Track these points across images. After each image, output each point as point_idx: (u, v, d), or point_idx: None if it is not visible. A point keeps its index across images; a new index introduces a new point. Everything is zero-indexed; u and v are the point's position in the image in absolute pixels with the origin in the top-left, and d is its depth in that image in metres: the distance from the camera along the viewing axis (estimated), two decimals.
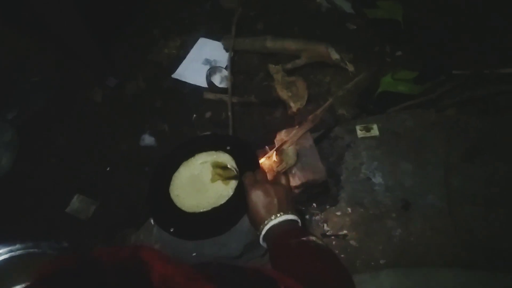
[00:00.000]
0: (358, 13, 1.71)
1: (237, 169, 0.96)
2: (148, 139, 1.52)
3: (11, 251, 0.94)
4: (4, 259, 0.95)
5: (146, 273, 0.31)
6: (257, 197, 0.79)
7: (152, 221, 1.17)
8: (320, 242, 0.64)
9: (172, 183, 1.00)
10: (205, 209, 0.94)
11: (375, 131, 1.24)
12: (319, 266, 0.56)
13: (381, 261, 1.02)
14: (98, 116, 1.64)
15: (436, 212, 1.09)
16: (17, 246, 0.94)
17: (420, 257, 1.02)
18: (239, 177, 0.94)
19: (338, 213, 1.12)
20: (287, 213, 0.75)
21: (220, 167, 0.99)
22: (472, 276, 0.96)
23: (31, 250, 0.94)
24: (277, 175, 0.92)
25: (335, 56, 1.50)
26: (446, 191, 1.12)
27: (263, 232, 0.75)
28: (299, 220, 0.77)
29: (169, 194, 0.98)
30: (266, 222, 0.75)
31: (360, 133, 1.24)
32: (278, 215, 0.75)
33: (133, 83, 1.70)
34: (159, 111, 1.60)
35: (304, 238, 0.63)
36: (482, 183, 1.13)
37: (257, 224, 0.78)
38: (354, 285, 0.55)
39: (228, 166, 0.97)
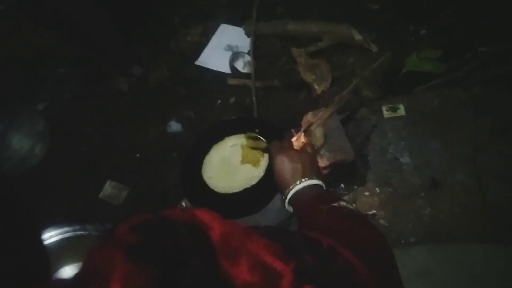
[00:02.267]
0: None
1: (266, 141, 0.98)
2: (174, 126, 1.56)
3: (60, 233, 0.99)
4: (55, 241, 1.00)
5: (207, 231, 0.34)
6: (282, 162, 0.81)
7: (183, 203, 1.21)
8: (352, 207, 0.64)
9: (204, 165, 1.02)
10: (237, 190, 0.96)
11: (401, 111, 1.24)
12: (355, 230, 0.56)
13: (411, 239, 1.03)
14: (125, 105, 1.68)
15: (465, 190, 1.09)
16: (66, 228, 0.99)
17: (449, 234, 1.03)
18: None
19: (367, 193, 1.13)
20: (312, 178, 0.77)
21: (251, 137, 1.01)
22: (501, 251, 0.97)
23: (78, 232, 0.99)
24: (303, 144, 0.93)
25: (357, 37, 1.49)
26: (474, 168, 1.12)
27: (289, 196, 0.77)
28: (324, 185, 0.78)
29: (201, 177, 1.00)
30: (291, 186, 0.76)
31: (386, 114, 1.24)
32: (303, 180, 0.76)
33: (157, 72, 1.73)
34: (184, 98, 1.63)
35: (335, 204, 0.63)
36: (510, 159, 1.12)
37: (282, 188, 0.80)
38: (390, 248, 0.55)
39: (259, 136, 0.98)
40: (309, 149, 0.87)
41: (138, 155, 1.53)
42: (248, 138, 1.02)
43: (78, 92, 1.76)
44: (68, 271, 1.02)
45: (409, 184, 1.12)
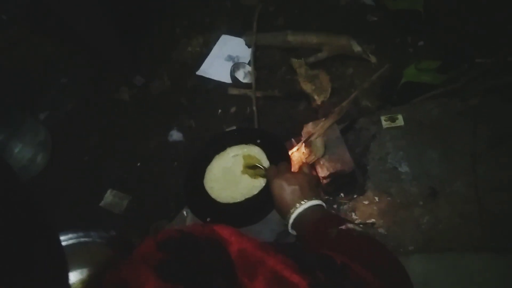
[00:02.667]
0: (378, 5, 1.72)
1: (265, 167, 0.98)
2: (176, 135, 1.57)
3: (65, 240, 1.00)
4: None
5: (226, 247, 0.35)
6: (280, 186, 0.81)
7: (185, 212, 1.22)
8: (359, 228, 0.64)
9: (206, 175, 1.04)
10: (239, 200, 0.97)
11: (400, 121, 1.26)
12: (366, 248, 0.56)
13: (410, 248, 1.04)
14: (126, 114, 1.70)
15: (463, 199, 1.10)
16: (70, 235, 1.00)
17: (448, 243, 1.04)
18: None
19: (366, 202, 1.14)
20: (311, 199, 0.76)
21: (250, 167, 1.02)
22: (500, 260, 0.98)
23: (82, 239, 1.00)
24: (301, 165, 0.94)
25: (357, 48, 1.52)
26: (473, 178, 1.13)
27: (291, 221, 0.76)
28: (324, 205, 0.78)
29: (203, 186, 1.02)
30: (292, 210, 0.76)
31: (385, 124, 1.26)
32: (302, 202, 0.75)
33: (159, 82, 1.75)
34: (185, 108, 1.65)
35: (343, 227, 0.62)
36: (508, 169, 1.14)
37: (283, 213, 0.79)
38: (402, 265, 0.54)
39: (257, 164, 0.99)
40: (306, 170, 0.87)
41: (139, 164, 1.55)
42: (247, 167, 1.03)
43: (80, 101, 1.77)
44: (71, 278, 1.02)
45: (407, 193, 1.13)
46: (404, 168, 1.17)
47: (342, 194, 1.18)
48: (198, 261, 0.33)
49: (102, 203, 1.45)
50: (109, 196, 1.47)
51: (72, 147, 1.66)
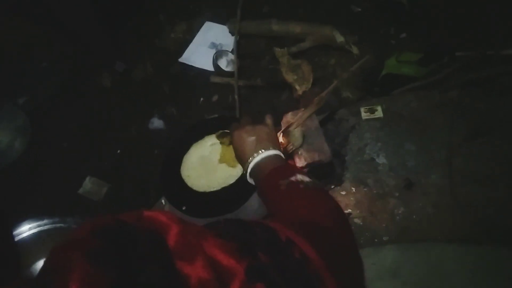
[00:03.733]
0: None
1: None
2: (157, 123, 1.56)
3: (39, 225, 1.00)
4: (34, 233, 1.01)
5: (164, 234, 0.35)
6: (239, 137, 0.85)
7: (163, 200, 1.22)
8: (308, 179, 0.66)
9: (183, 164, 1.04)
10: (215, 189, 0.98)
11: (379, 112, 1.26)
12: (310, 208, 0.59)
13: (384, 238, 1.06)
14: (107, 100, 1.68)
15: (438, 191, 1.12)
16: (45, 221, 1.00)
17: (422, 234, 1.06)
18: None
19: (343, 193, 1.15)
20: (268, 149, 0.80)
21: (221, 135, 1.03)
22: (472, 250, 1.00)
23: (58, 225, 1.00)
24: (265, 116, 0.97)
25: (340, 38, 1.51)
26: (449, 170, 1.15)
27: (249, 170, 0.81)
28: (282, 155, 0.83)
29: (180, 175, 1.02)
30: (250, 159, 0.80)
31: (364, 115, 1.27)
32: (260, 152, 0.80)
33: (141, 68, 1.73)
34: (167, 95, 1.64)
35: (292, 179, 0.65)
36: (484, 162, 1.16)
37: (242, 162, 0.84)
38: (349, 223, 0.58)
39: (226, 131, 1.01)
40: (268, 121, 0.92)
41: (119, 151, 1.53)
42: (219, 136, 1.04)
43: (60, 87, 1.74)
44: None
45: (384, 184, 1.14)
46: (381, 160, 1.18)
47: (321, 184, 1.19)
48: (132, 250, 0.32)
49: (80, 190, 1.44)
50: (88, 184, 1.45)
51: (51, 133, 1.63)
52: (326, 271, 0.40)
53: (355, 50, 1.51)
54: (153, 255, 0.33)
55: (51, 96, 1.73)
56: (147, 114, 1.59)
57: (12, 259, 0.36)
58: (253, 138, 0.83)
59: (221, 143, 1.03)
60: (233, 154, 1.01)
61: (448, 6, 1.54)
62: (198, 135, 1.08)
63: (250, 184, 0.88)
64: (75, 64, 1.79)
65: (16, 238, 1.03)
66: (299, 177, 0.66)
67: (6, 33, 1.91)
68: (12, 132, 1.54)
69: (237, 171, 1.00)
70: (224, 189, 0.98)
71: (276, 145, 0.86)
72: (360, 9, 1.69)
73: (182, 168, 1.03)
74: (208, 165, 1.03)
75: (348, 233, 0.57)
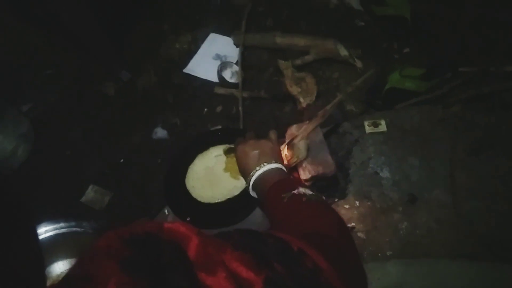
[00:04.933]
0: (366, 10, 1.74)
1: None
2: (160, 132, 1.56)
3: (56, 228, 1.01)
4: (50, 236, 1.02)
5: (185, 245, 0.36)
6: (242, 151, 0.87)
7: (166, 210, 1.22)
8: (310, 193, 0.68)
9: (187, 174, 1.04)
10: (219, 200, 0.98)
11: (383, 126, 1.27)
12: (314, 220, 0.61)
13: (388, 253, 1.06)
14: (111, 109, 1.68)
15: (441, 206, 1.12)
16: (61, 224, 1.01)
17: (425, 249, 1.06)
18: None
19: (346, 206, 1.15)
20: (270, 163, 0.82)
21: (227, 151, 1.04)
22: (474, 267, 1.00)
23: (73, 228, 1.01)
24: (270, 131, 0.99)
25: (343, 52, 1.53)
26: (451, 185, 1.16)
27: (251, 183, 0.83)
28: (284, 168, 0.85)
29: (185, 185, 1.02)
30: (252, 173, 0.82)
31: (368, 129, 1.27)
32: (262, 165, 0.82)
33: (145, 78, 1.74)
34: (171, 105, 1.64)
35: (294, 192, 0.67)
36: (486, 178, 1.16)
37: (245, 176, 0.86)
38: (351, 235, 0.58)
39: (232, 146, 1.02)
40: (272, 136, 0.94)
41: (122, 160, 1.53)
42: (226, 152, 1.05)
43: (65, 94, 1.75)
44: (61, 266, 1.05)
45: (387, 198, 1.15)
46: (385, 174, 1.19)
47: (323, 197, 1.19)
48: (159, 259, 0.34)
49: (83, 199, 1.44)
50: (90, 192, 1.45)
51: (54, 141, 1.63)
52: (337, 281, 0.41)
53: (358, 64, 1.52)
54: (178, 265, 0.34)
55: (55, 103, 1.73)
56: (150, 124, 1.60)
57: (36, 262, 0.37)
58: (256, 152, 0.85)
59: (227, 157, 1.04)
60: (237, 166, 1.02)
61: (451, 22, 1.56)
62: (203, 146, 1.09)
63: (254, 197, 0.89)
64: (79, 72, 1.80)
65: (42, 236, 1.05)
66: (301, 190, 0.67)
67: (12, 40, 1.92)
68: (16, 139, 1.54)
69: (242, 182, 1.00)
70: (228, 201, 0.98)
71: (279, 159, 0.88)
72: (363, 23, 1.71)
73: (186, 178, 1.03)
74: (212, 176, 1.03)
75: (352, 245, 0.58)
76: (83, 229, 1.04)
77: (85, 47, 1.75)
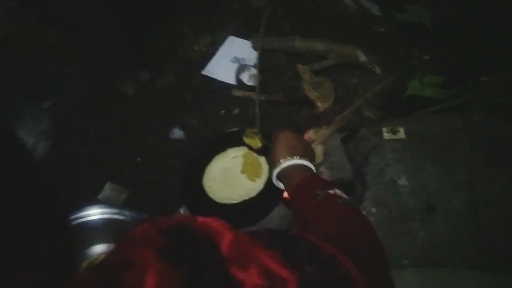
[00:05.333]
0: (386, 16, 1.73)
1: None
2: (177, 133, 1.58)
3: (102, 213, 1.05)
4: (95, 219, 1.06)
5: (218, 240, 0.36)
6: (286, 137, 0.87)
7: (181, 210, 1.22)
8: (346, 196, 0.67)
9: (205, 175, 1.05)
10: (236, 201, 0.98)
11: (401, 133, 1.26)
12: (349, 225, 0.59)
13: (404, 261, 1.05)
14: (130, 108, 1.70)
15: (460, 216, 1.11)
16: (106, 209, 1.05)
17: (442, 259, 1.05)
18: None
19: (363, 212, 1.14)
20: (306, 160, 0.81)
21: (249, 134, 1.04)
22: (493, 279, 0.99)
23: (115, 216, 1.05)
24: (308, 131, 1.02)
25: (362, 58, 1.52)
26: (470, 195, 1.14)
27: (279, 169, 0.81)
28: (315, 170, 0.83)
29: (202, 185, 1.03)
30: (288, 158, 0.81)
31: (386, 135, 1.27)
32: (301, 158, 0.81)
33: (163, 78, 1.75)
34: (188, 106, 1.65)
35: (330, 191, 0.65)
36: (506, 188, 1.14)
37: (276, 159, 0.84)
38: (381, 245, 0.57)
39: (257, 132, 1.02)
40: (313, 135, 0.99)
41: (139, 159, 1.55)
42: (248, 135, 1.04)
43: (85, 93, 1.78)
44: (101, 248, 1.12)
45: (405, 206, 1.14)
46: (402, 181, 1.18)
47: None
48: (194, 252, 0.34)
49: (100, 196, 1.46)
50: (107, 189, 1.47)
51: (73, 138, 1.66)
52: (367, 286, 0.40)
53: (377, 70, 1.52)
54: (211, 258, 0.34)
55: (75, 101, 1.76)
56: (168, 124, 1.61)
57: (68, 244, 0.37)
58: (298, 144, 0.85)
59: (247, 143, 1.04)
60: (254, 168, 1.02)
61: (472, 30, 1.54)
62: (220, 147, 1.09)
63: (271, 198, 0.89)
64: (100, 72, 1.82)
65: (82, 220, 1.09)
66: (338, 191, 0.66)
67: (35, 38, 1.96)
68: (36, 135, 1.57)
69: (258, 184, 1.01)
70: (245, 202, 0.98)
71: (313, 161, 0.87)
72: (383, 30, 1.70)
73: (204, 179, 1.04)
74: (229, 177, 1.03)
75: (382, 257, 0.56)
76: (124, 217, 1.08)
77: (107, 47, 1.78)
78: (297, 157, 0.81)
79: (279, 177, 0.83)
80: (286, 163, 0.80)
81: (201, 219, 0.38)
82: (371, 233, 0.59)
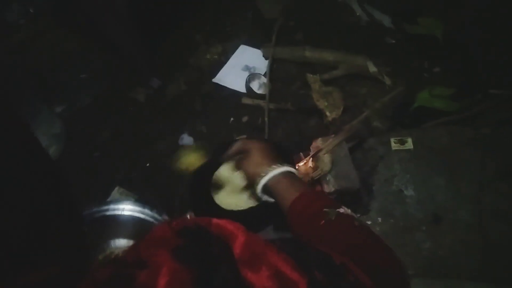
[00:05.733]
0: (397, 28, 1.74)
1: None
2: (186, 139, 1.59)
3: (133, 210, 1.08)
4: (125, 215, 1.11)
5: (231, 242, 0.37)
6: (256, 147, 0.79)
7: (188, 216, 1.23)
8: (356, 216, 0.60)
9: (213, 181, 1.05)
10: (242, 208, 0.99)
11: (409, 144, 1.26)
12: (370, 250, 0.54)
13: (410, 272, 1.04)
14: (140, 114, 1.72)
15: (466, 228, 1.10)
16: (130, 206, 1.08)
17: (447, 270, 1.04)
18: None
19: (369, 222, 1.15)
20: (285, 166, 0.73)
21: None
22: None
23: (137, 214, 1.07)
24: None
25: (372, 68, 1.53)
26: (478, 207, 1.13)
27: (270, 175, 0.72)
28: (294, 171, 0.75)
29: (209, 192, 1.03)
30: (273, 167, 0.73)
31: (394, 146, 1.27)
32: (277, 165, 0.73)
33: (174, 85, 1.78)
34: (198, 113, 1.67)
35: (341, 211, 0.58)
36: None
37: (257, 173, 0.75)
38: (405, 272, 0.52)
39: None
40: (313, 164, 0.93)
41: (148, 164, 1.57)
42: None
43: (97, 98, 1.81)
44: (122, 243, 1.14)
45: (411, 217, 1.13)
46: (409, 192, 1.18)
47: None
48: (208, 251, 0.36)
49: (108, 200, 1.47)
50: (116, 193, 1.49)
51: (84, 142, 1.69)
52: None
53: (387, 80, 1.52)
54: (223, 259, 0.36)
55: (87, 106, 1.79)
56: (177, 130, 1.63)
57: (83, 240, 0.39)
58: (269, 151, 0.79)
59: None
60: None
61: (483, 43, 1.54)
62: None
63: (277, 206, 0.89)
64: (112, 78, 1.86)
65: (109, 212, 1.11)
66: (348, 210, 0.60)
67: (50, 44, 2.01)
68: (48, 138, 1.60)
69: None
70: (251, 209, 0.98)
71: (278, 160, 0.78)
72: (394, 41, 1.71)
73: (211, 185, 1.04)
74: (237, 184, 1.04)
75: (406, 282, 0.52)
76: (144, 216, 1.11)
77: (120, 54, 1.81)
78: (279, 164, 0.73)
79: (264, 191, 0.76)
80: (272, 172, 0.72)
81: (216, 220, 0.39)
82: (396, 261, 0.54)
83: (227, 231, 0.38)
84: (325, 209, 0.58)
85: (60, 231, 0.34)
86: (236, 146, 0.86)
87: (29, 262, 0.30)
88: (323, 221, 0.57)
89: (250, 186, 1.01)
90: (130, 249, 0.36)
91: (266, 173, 0.73)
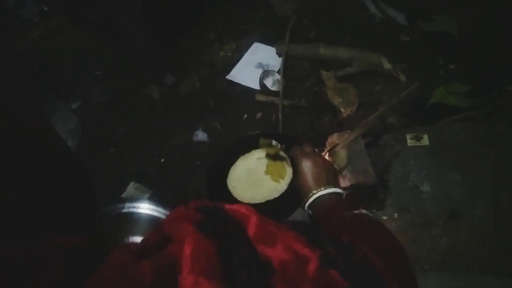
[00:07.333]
0: (412, 25, 1.73)
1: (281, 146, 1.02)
2: (201, 135, 1.60)
3: (151, 209, 1.10)
4: (144, 213, 1.16)
5: (245, 223, 0.39)
6: (308, 167, 0.86)
7: None
8: (371, 215, 0.67)
9: (229, 175, 1.06)
10: (259, 201, 0.99)
11: (425, 140, 1.26)
12: (375, 236, 0.60)
13: (425, 266, 1.04)
14: (155, 111, 1.74)
15: (483, 224, 1.10)
16: (145, 204, 1.10)
17: (464, 266, 1.04)
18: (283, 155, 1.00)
19: (385, 218, 1.15)
20: (336, 187, 0.82)
21: (265, 144, 1.05)
22: None
23: (152, 212, 1.10)
24: (323, 154, 0.98)
25: (387, 65, 1.53)
26: (494, 204, 1.13)
27: (311, 199, 0.81)
28: (344, 194, 0.83)
29: (226, 185, 1.04)
30: (315, 191, 0.81)
31: (410, 142, 1.26)
32: (328, 187, 0.81)
33: (188, 82, 1.79)
34: (212, 110, 1.69)
35: (356, 212, 0.67)
36: None
37: (305, 192, 0.85)
38: (407, 257, 0.57)
39: (273, 142, 1.03)
40: (329, 159, 0.95)
41: (163, 160, 1.58)
42: (263, 144, 1.05)
43: (112, 94, 1.83)
44: (138, 241, 1.14)
45: (427, 212, 1.13)
46: (425, 188, 1.17)
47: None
48: (225, 227, 0.38)
49: (124, 195, 1.49)
50: (131, 189, 1.50)
51: (99, 138, 1.71)
52: (388, 272, 0.42)
53: (402, 77, 1.52)
54: (240, 236, 0.38)
55: (102, 102, 1.81)
56: (191, 127, 1.64)
57: (97, 220, 0.41)
58: (321, 172, 0.85)
59: (264, 148, 1.05)
60: (278, 169, 1.03)
61: (499, 39, 1.53)
62: (245, 149, 1.11)
63: (293, 199, 0.90)
64: (127, 75, 1.87)
65: (124, 210, 1.18)
66: (363, 211, 0.67)
67: (66, 42, 2.04)
68: (64, 134, 1.62)
69: (282, 185, 1.01)
70: (268, 202, 0.99)
71: (337, 183, 0.87)
72: (408, 39, 1.70)
73: (228, 179, 1.05)
74: (253, 178, 1.04)
75: (408, 264, 0.56)
76: (159, 214, 1.14)
77: (134, 51, 1.83)
78: (330, 186, 0.81)
79: (311, 206, 0.83)
80: (319, 193, 0.81)
81: (228, 206, 0.41)
82: (396, 243, 0.59)
83: (240, 214, 0.40)
84: (343, 213, 0.67)
85: (77, 203, 0.38)
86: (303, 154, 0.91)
87: (53, 225, 0.34)
88: (340, 222, 0.66)
89: (274, 179, 1.02)
90: (152, 231, 0.38)
91: (317, 192, 0.81)
